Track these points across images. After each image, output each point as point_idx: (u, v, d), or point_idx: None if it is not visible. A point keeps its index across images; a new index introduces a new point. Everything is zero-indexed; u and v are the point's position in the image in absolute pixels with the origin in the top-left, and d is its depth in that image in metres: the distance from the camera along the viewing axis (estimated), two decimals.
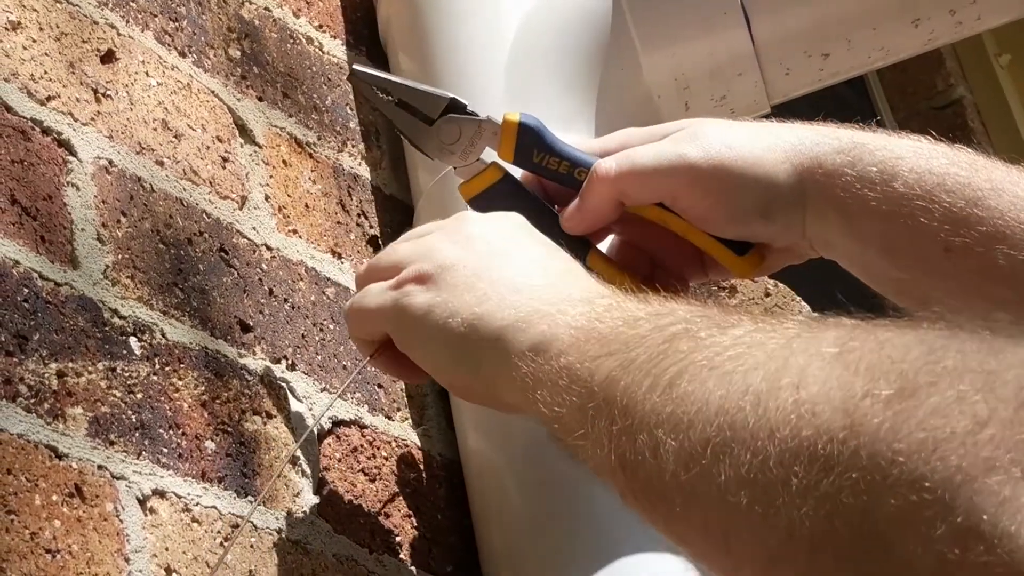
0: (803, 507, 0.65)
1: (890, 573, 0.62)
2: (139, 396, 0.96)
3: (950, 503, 0.60)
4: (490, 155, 1.09)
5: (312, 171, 1.20)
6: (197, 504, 0.96)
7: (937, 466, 0.61)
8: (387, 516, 1.09)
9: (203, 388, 1.01)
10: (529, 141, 1.06)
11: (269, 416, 1.05)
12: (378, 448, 1.11)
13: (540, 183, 1.09)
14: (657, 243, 1.07)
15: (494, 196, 1.08)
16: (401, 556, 1.08)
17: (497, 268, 0.95)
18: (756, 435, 0.68)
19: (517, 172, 1.09)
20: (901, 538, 0.61)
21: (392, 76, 1.11)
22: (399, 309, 0.97)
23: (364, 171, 1.25)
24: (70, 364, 0.93)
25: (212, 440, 1.00)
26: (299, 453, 1.05)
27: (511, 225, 1.01)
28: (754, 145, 1.03)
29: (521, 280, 0.93)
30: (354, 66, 1.11)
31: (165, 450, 0.96)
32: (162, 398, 0.98)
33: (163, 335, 1.00)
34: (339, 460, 1.08)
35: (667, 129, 1.06)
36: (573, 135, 1.19)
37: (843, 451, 0.64)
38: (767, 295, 1.51)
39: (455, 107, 1.08)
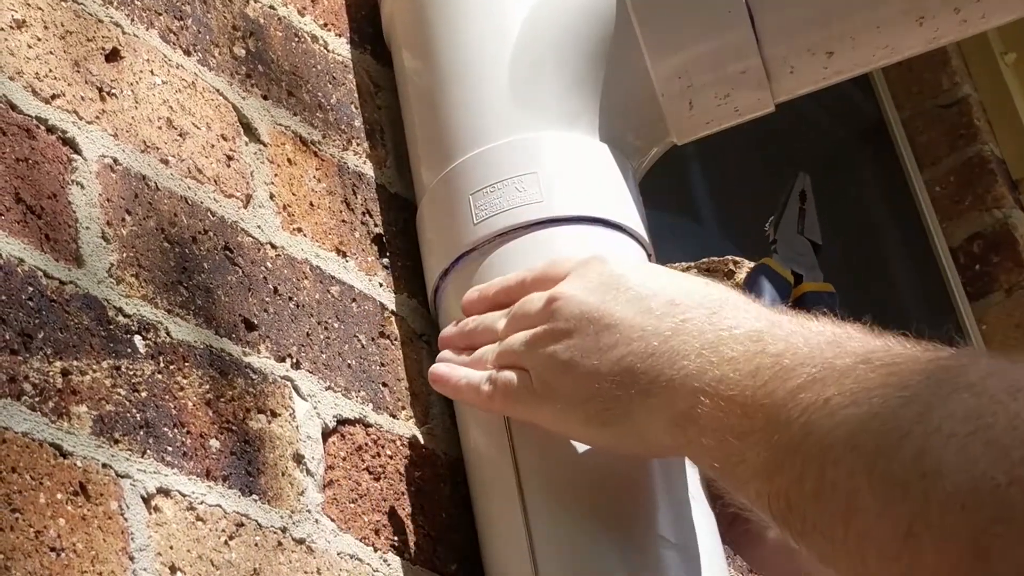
0: None
1: None
2: (143, 394, 0.96)
3: None
4: None
5: (317, 169, 1.20)
6: (201, 502, 0.96)
7: None
8: (392, 514, 1.09)
9: (207, 386, 1.01)
10: (822, 303, 1.20)
11: (274, 414, 1.05)
12: (383, 447, 1.11)
13: None
14: None
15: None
16: (405, 554, 1.08)
17: (610, 345, 0.96)
18: (912, 527, 0.72)
19: None
20: None
21: (813, 201, 1.31)
22: (543, 360, 0.99)
23: (369, 169, 1.25)
24: (74, 362, 0.93)
25: (216, 438, 1.00)
26: (303, 451, 1.05)
27: (596, 276, 1.00)
28: None
29: (638, 347, 0.94)
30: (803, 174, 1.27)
31: (169, 448, 0.96)
32: (166, 396, 0.98)
33: (167, 333, 1.00)
34: (344, 459, 1.08)
35: None
36: (579, 134, 1.19)
37: (1000, 543, 0.67)
38: None
39: (817, 248, 1.32)
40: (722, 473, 0.89)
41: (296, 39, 1.24)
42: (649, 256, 1.18)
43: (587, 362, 0.96)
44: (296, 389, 1.07)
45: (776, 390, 0.83)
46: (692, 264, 1.47)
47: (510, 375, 1.02)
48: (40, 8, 1.03)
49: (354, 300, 1.16)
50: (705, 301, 0.94)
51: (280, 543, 1.00)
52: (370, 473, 1.09)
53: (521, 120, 1.18)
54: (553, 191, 1.15)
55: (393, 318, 1.18)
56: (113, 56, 1.07)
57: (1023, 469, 0.67)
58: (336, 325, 1.13)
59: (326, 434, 1.08)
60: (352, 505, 1.06)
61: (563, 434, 1.03)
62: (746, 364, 0.87)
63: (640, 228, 1.17)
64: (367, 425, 1.11)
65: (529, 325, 1.02)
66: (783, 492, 0.81)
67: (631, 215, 1.17)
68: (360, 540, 1.05)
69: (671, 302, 0.95)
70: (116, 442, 0.93)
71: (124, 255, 1.00)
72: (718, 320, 0.92)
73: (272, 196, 1.14)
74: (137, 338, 0.98)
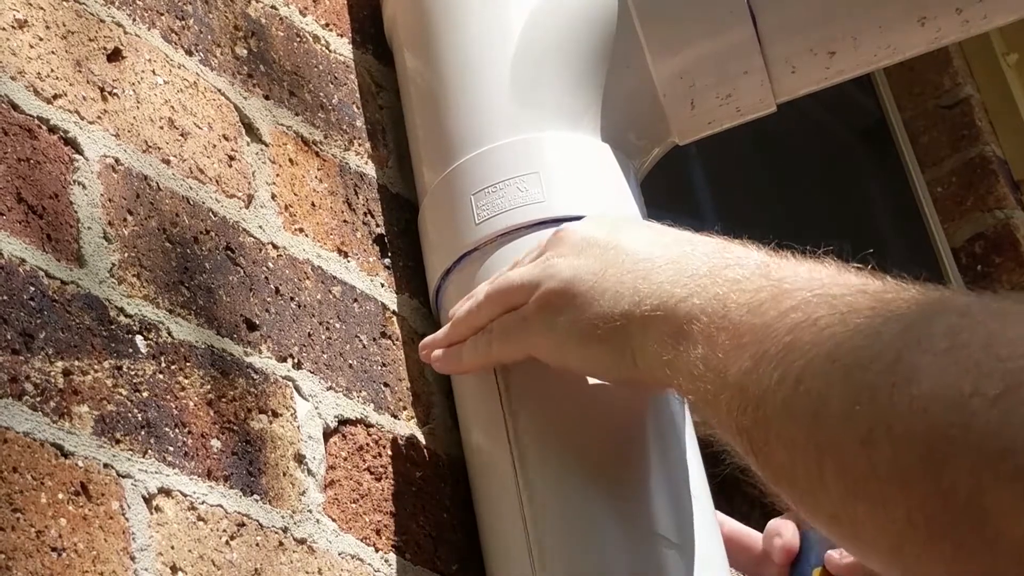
0: (920, 500, 0.70)
1: (1001, 556, 0.67)
2: (145, 394, 0.96)
3: None
4: None
5: (318, 169, 1.20)
6: (203, 502, 0.96)
7: None
8: (393, 515, 1.09)
9: (209, 386, 1.01)
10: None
11: (275, 415, 1.05)
12: (384, 447, 1.11)
13: None
14: None
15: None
16: (407, 554, 1.08)
17: (616, 264, 0.98)
18: (872, 432, 0.73)
19: None
20: (1010, 524, 0.66)
21: None
22: (544, 331, 1.01)
23: (370, 170, 1.25)
24: (76, 362, 0.93)
25: (218, 438, 1.00)
26: (305, 451, 1.05)
27: (608, 219, 1.03)
28: None
29: (644, 266, 0.96)
30: None
31: (171, 448, 0.96)
32: (168, 396, 0.98)
33: (169, 333, 1.00)
34: (345, 459, 1.08)
35: None
36: (581, 134, 1.19)
37: (953, 448, 0.69)
38: None
39: None
40: (701, 390, 0.89)
41: (298, 39, 1.24)
42: None
43: (590, 278, 0.99)
44: (297, 389, 1.07)
45: (769, 310, 0.85)
46: None
47: (504, 317, 1.04)
48: (42, 8, 1.03)
49: (355, 300, 1.16)
50: (715, 240, 0.97)
51: (281, 543, 1.00)
52: (371, 473, 1.09)
53: (523, 120, 1.18)
54: (555, 191, 1.15)
55: (395, 318, 1.18)
56: (115, 56, 1.07)
57: (988, 383, 0.69)
58: (337, 325, 1.13)
59: (327, 434, 1.08)
60: (353, 505, 1.06)
61: (557, 359, 1.03)
62: (748, 284, 0.89)
63: None
64: (368, 425, 1.11)
65: (528, 263, 1.04)
66: (754, 401, 0.83)
67: (633, 215, 1.17)
68: (361, 540, 1.05)
69: (682, 238, 0.98)
70: (117, 442, 0.93)
71: (126, 255, 1.00)
72: (727, 251, 0.94)
73: (274, 196, 1.14)
74: (138, 338, 0.98)
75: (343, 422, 1.09)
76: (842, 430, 0.75)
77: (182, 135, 1.09)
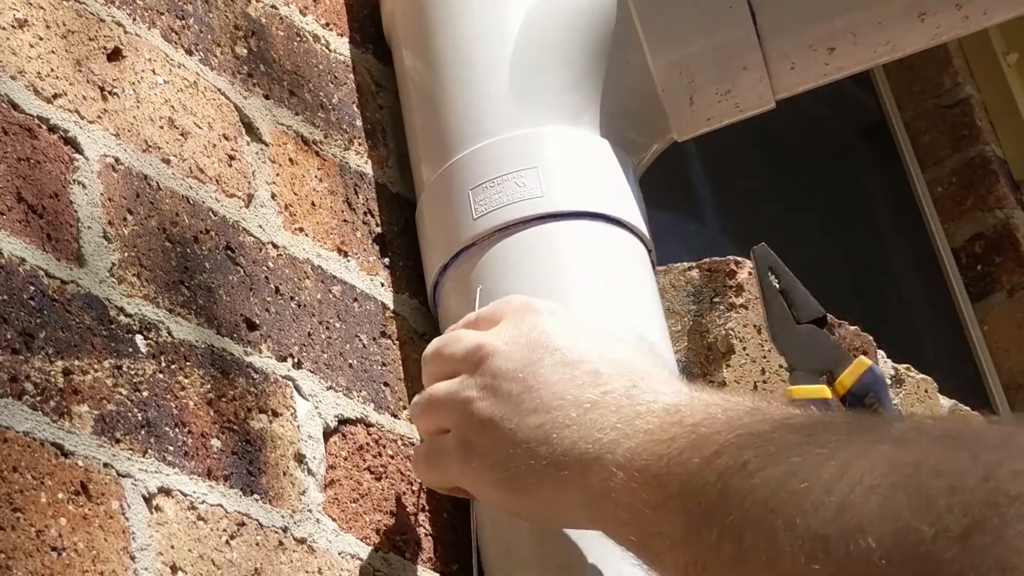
0: None
1: None
2: (145, 394, 0.96)
3: None
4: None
5: (318, 169, 1.20)
6: (203, 502, 0.96)
7: None
8: (392, 514, 1.09)
9: (209, 386, 1.01)
10: (867, 387, 1.08)
11: (275, 414, 1.05)
12: (384, 446, 1.11)
13: None
14: None
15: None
16: (406, 554, 1.08)
17: (531, 408, 0.94)
18: None
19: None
20: None
21: (786, 269, 1.16)
22: (463, 415, 0.97)
23: (370, 169, 1.25)
24: (76, 362, 0.93)
25: (218, 438, 1.00)
26: (305, 451, 1.05)
27: (526, 335, 0.98)
28: None
29: (556, 417, 0.92)
30: (757, 248, 1.17)
31: (171, 448, 0.96)
32: (168, 396, 0.98)
33: (169, 333, 1.00)
34: (345, 458, 1.08)
35: None
36: (580, 130, 1.19)
37: None
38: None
39: (822, 322, 1.13)
40: (639, 547, 0.86)
41: (298, 39, 1.24)
42: (650, 252, 1.18)
43: (505, 424, 0.95)
44: (297, 389, 1.07)
45: (691, 458, 0.81)
46: (694, 264, 1.47)
47: (431, 442, 1.01)
48: (42, 7, 1.03)
49: (355, 300, 1.16)
50: (628, 372, 0.93)
51: (281, 543, 1.00)
52: (371, 473, 1.09)
53: (521, 115, 1.18)
54: (553, 186, 1.14)
55: (394, 318, 1.18)
56: (115, 55, 1.07)
57: (949, 518, 0.63)
58: (337, 325, 1.13)
59: (327, 434, 1.08)
60: (353, 505, 1.06)
61: (480, 497, 1.01)
62: (661, 434, 0.85)
63: (640, 223, 1.16)
64: (368, 425, 1.11)
65: (452, 372, 1.00)
66: (700, 560, 0.78)
67: (631, 210, 1.16)
68: (361, 540, 1.05)
69: (595, 371, 0.93)
70: (117, 441, 0.93)
71: (126, 255, 1.00)
72: (637, 394, 0.90)
73: (274, 196, 1.14)
74: (138, 338, 0.98)
75: (343, 422, 1.09)
76: None
77: (182, 135, 1.09)
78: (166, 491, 0.94)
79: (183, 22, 1.14)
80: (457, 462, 0.98)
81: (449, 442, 0.99)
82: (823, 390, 1.10)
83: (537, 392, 0.94)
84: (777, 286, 1.14)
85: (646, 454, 0.85)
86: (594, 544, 1.01)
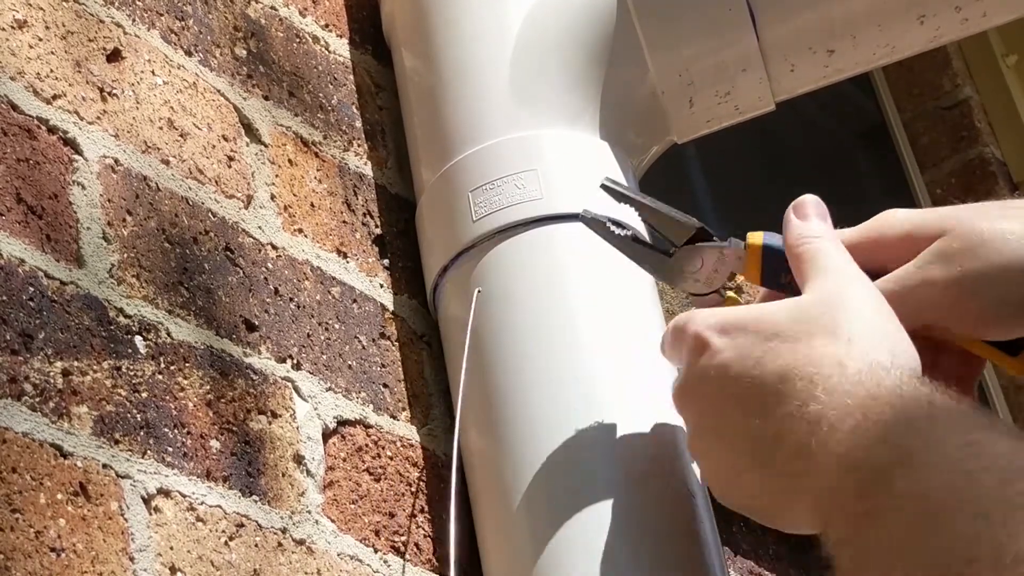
0: None
1: None
2: (144, 395, 0.96)
3: None
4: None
5: (318, 170, 1.20)
6: (202, 503, 0.96)
7: None
8: (391, 515, 1.09)
9: (208, 387, 1.01)
10: (775, 263, 1.02)
11: (274, 415, 1.05)
12: (383, 448, 1.11)
13: None
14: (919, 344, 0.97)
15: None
16: (406, 555, 1.08)
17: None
18: None
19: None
20: None
21: (641, 197, 1.06)
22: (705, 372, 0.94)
23: (370, 170, 1.25)
24: (75, 363, 0.93)
25: (217, 439, 1.00)
26: (304, 452, 1.05)
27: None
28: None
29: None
30: (604, 180, 1.06)
31: (170, 449, 0.96)
32: (167, 397, 0.98)
33: (168, 334, 1.00)
34: (344, 459, 1.08)
35: (927, 225, 1.03)
36: (579, 132, 1.19)
37: None
38: None
39: (701, 236, 1.04)
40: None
41: (297, 40, 1.24)
42: None
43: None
44: (297, 390, 1.07)
45: None
46: None
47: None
48: (41, 8, 1.03)
49: (355, 301, 1.16)
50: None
51: (280, 544, 1.00)
52: (370, 474, 1.09)
53: (521, 117, 1.18)
54: (553, 188, 1.15)
55: (394, 319, 1.18)
56: (114, 56, 1.07)
57: None
58: (337, 326, 1.13)
59: (326, 435, 1.08)
60: (352, 506, 1.06)
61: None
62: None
63: (640, 226, 1.16)
64: (367, 426, 1.11)
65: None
66: None
67: (631, 213, 1.16)
68: (360, 541, 1.05)
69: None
70: (116, 442, 0.93)
71: (125, 255, 1.00)
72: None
73: (273, 197, 1.14)
74: (138, 338, 0.98)
75: (342, 423, 1.09)
76: None
77: (181, 135, 1.09)
78: (165, 492, 0.94)
79: (183, 23, 1.14)
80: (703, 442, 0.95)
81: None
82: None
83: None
84: (627, 234, 1.06)
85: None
86: (593, 544, 1.01)
